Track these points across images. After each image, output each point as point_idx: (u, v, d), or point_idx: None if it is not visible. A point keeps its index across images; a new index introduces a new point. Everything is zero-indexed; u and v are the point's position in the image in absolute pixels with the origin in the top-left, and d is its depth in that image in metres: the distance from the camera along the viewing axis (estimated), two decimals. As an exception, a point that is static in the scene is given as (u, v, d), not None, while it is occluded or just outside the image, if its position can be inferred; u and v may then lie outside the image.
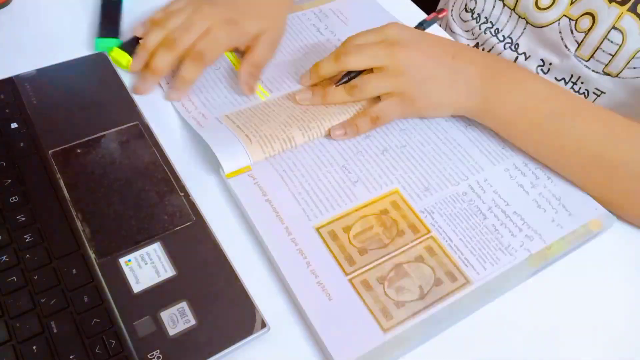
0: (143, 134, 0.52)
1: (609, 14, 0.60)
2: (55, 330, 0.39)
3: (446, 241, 0.47)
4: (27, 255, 0.43)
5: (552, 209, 0.50)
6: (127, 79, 0.58)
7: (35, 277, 0.41)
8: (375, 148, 0.53)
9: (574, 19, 0.63)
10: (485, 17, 0.72)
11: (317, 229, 0.47)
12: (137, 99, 0.56)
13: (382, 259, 0.45)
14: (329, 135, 0.54)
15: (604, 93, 0.64)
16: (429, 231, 0.47)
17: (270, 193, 0.49)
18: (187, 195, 0.48)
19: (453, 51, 0.54)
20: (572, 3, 0.63)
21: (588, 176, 0.51)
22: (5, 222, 0.45)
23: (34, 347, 0.38)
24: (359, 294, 0.43)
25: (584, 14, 0.63)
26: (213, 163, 0.51)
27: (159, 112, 0.56)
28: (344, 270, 0.44)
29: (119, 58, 0.58)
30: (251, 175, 0.50)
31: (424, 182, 0.51)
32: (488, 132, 0.55)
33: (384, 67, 0.53)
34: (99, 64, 0.59)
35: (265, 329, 0.40)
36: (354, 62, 0.54)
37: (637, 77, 0.61)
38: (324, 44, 0.63)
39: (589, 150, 0.50)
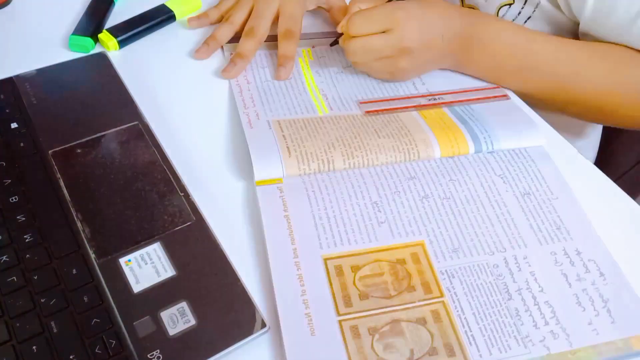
0: (143, 134, 0.52)
1: None
2: (55, 330, 0.39)
3: (457, 311, 0.42)
4: (27, 255, 0.43)
5: (593, 310, 0.43)
6: (127, 79, 0.58)
7: (35, 277, 0.41)
8: (416, 192, 0.50)
9: None
10: None
11: (325, 260, 0.44)
12: (137, 99, 0.56)
13: (381, 309, 0.42)
14: (371, 166, 0.52)
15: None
16: (442, 295, 0.43)
17: (291, 210, 0.47)
18: (187, 195, 0.48)
19: (443, 29, 0.58)
20: None
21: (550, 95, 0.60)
22: (5, 222, 0.45)
23: (34, 347, 0.38)
24: (344, 339, 0.40)
25: None
26: (244, 167, 0.51)
27: (159, 112, 0.56)
28: (337, 310, 0.41)
29: (106, 40, 0.61)
30: (279, 188, 0.49)
31: (454, 241, 0.46)
32: (547, 207, 0.49)
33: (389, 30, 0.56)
34: (99, 64, 0.59)
35: (265, 329, 0.40)
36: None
37: (525, 23, 0.65)
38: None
39: (557, 80, 0.59)
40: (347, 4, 0.66)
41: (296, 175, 0.50)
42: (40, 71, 0.57)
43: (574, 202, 0.50)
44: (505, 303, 0.43)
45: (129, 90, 0.56)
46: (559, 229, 0.48)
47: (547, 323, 0.42)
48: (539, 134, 0.55)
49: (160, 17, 0.65)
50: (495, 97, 0.59)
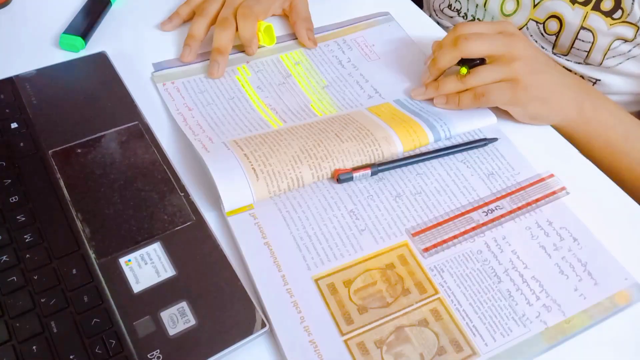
0: (143, 134, 0.52)
1: (575, 15, 0.62)
2: (55, 330, 0.39)
3: (454, 305, 0.42)
4: (27, 255, 0.43)
5: (575, 275, 0.45)
6: (127, 79, 0.58)
7: (35, 277, 0.41)
8: (388, 192, 0.49)
9: (541, 22, 0.65)
10: (472, 15, 0.73)
11: (316, 281, 0.43)
12: (137, 99, 0.56)
13: (382, 319, 0.41)
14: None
15: (599, 80, 0.66)
16: (437, 292, 0.43)
17: (270, 236, 0.45)
18: (187, 195, 0.48)
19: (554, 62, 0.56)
20: (535, 6, 0.64)
21: None
22: (5, 222, 0.45)
23: (34, 347, 0.38)
24: (353, 358, 0.39)
25: (549, 17, 0.64)
26: (214, 193, 0.48)
27: (159, 112, 0.56)
28: (340, 330, 0.41)
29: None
30: (252, 215, 0.47)
31: (436, 235, 0.47)
32: (511, 183, 0.51)
33: (500, 57, 0.53)
34: (99, 64, 0.59)
35: (265, 329, 0.40)
36: (475, 47, 0.53)
37: (620, 63, 0.63)
38: (345, 78, 0.61)
39: None
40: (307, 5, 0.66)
41: (267, 198, 0.48)
42: (40, 71, 0.57)
43: (534, 174, 0.52)
44: (496, 286, 0.44)
45: (129, 90, 0.56)
46: (527, 202, 0.50)
47: (538, 298, 0.43)
48: (490, 113, 0.56)
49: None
50: (555, 192, 0.51)
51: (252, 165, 0.48)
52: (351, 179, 0.50)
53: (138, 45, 0.63)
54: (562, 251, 0.46)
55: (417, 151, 0.53)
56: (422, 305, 0.42)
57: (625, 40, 0.62)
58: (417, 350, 0.40)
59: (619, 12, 0.61)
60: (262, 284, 0.43)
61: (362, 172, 0.50)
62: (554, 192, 0.50)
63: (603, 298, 0.43)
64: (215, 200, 0.48)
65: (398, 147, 0.52)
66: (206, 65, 0.60)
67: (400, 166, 0.51)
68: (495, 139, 0.54)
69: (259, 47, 0.63)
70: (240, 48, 0.63)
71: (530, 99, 0.54)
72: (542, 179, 0.51)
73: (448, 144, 0.54)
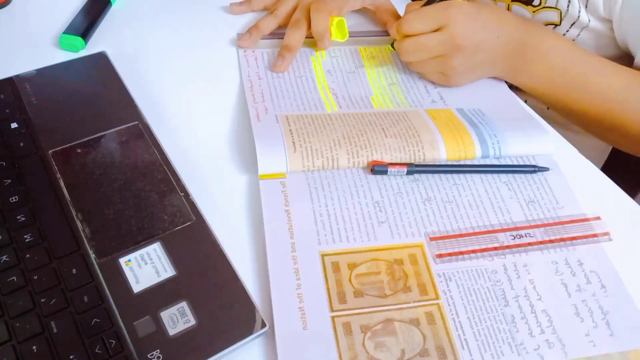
0: (143, 134, 0.52)
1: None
2: (55, 330, 0.39)
3: (452, 314, 0.42)
4: (27, 255, 0.43)
5: (592, 321, 0.42)
6: (127, 79, 0.58)
7: (35, 277, 0.41)
8: (419, 194, 0.50)
9: None
10: None
11: (323, 256, 0.44)
12: (137, 99, 0.56)
13: (375, 308, 0.42)
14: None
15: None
16: (438, 297, 0.43)
17: (293, 205, 0.47)
18: (187, 195, 0.48)
19: (498, 31, 0.57)
20: None
21: (606, 127, 0.58)
22: (5, 222, 0.45)
23: (34, 347, 0.38)
24: (335, 335, 0.40)
25: None
26: (247, 161, 0.52)
27: (159, 112, 0.56)
28: (330, 306, 0.41)
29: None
30: (282, 183, 0.49)
31: (455, 245, 0.46)
32: (551, 216, 0.49)
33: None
34: (99, 64, 0.59)
35: (264, 329, 0.40)
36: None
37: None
38: (414, 80, 0.62)
39: (607, 104, 0.57)
40: (393, 4, 0.67)
41: (300, 171, 0.50)
42: (40, 71, 0.57)
43: (579, 213, 0.50)
44: (501, 309, 0.43)
45: (129, 90, 0.56)
46: (562, 237, 0.47)
47: (542, 332, 0.41)
48: (549, 141, 0.55)
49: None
50: (596, 235, 0.48)
51: (293, 139, 0.51)
52: (385, 172, 0.50)
53: (138, 45, 0.63)
54: (584, 294, 0.44)
55: (461, 162, 0.52)
56: (419, 306, 0.42)
57: (555, 25, 0.64)
58: (400, 346, 0.40)
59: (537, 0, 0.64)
60: (272, 246, 0.44)
61: (398, 169, 0.50)
62: (595, 235, 0.48)
63: (615, 351, 0.41)
64: (227, 187, 0.50)
65: (442, 154, 0.52)
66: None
67: (438, 172, 0.51)
68: (546, 169, 0.52)
69: (331, 42, 0.64)
70: (354, 34, 0.66)
71: (460, 82, 0.60)
72: (587, 219, 0.49)
73: (495, 162, 0.53)
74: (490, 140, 0.53)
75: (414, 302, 0.42)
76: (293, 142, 0.51)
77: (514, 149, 0.54)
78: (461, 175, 0.51)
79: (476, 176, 0.51)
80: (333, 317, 0.41)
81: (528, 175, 0.52)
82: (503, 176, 0.52)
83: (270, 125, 0.53)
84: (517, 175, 0.52)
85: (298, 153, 0.50)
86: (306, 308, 0.41)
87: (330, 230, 0.46)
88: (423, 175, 0.51)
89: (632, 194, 0.52)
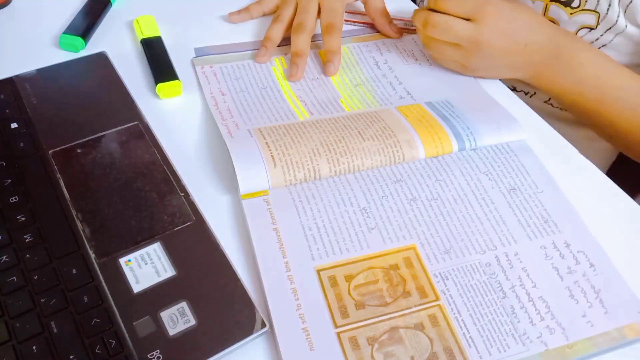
0: (143, 134, 0.52)
1: (536, 8, 0.65)
2: (55, 330, 0.39)
3: (454, 313, 0.42)
4: (27, 255, 0.43)
5: (586, 302, 0.43)
6: (127, 79, 0.58)
7: (35, 277, 0.41)
8: (404, 195, 0.49)
9: None
10: None
11: (318, 271, 0.44)
12: (137, 99, 0.56)
13: (378, 318, 0.41)
14: (357, 171, 0.51)
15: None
16: (438, 298, 0.43)
17: (280, 222, 0.46)
18: (187, 195, 0.48)
19: (527, 39, 0.57)
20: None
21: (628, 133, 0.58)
22: (5, 222, 0.45)
23: (34, 347, 0.38)
24: (343, 351, 0.39)
25: None
26: (229, 177, 0.50)
27: (159, 112, 0.56)
28: (334, 322, 0.41)
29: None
30: (266, 200, 0.48)
31: (446, 243, 0.46)
32: (533, 202, 0.50)
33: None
34: (99, 64, 0.59)
35: (265, 329, 0.40)
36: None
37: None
38: (378, 78, 0.62)
39: (637, 118, 0.57)
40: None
41: (282, 186, 0.49)
42: (40, 71, 0.57)
43: (559, 195, 0.51)
44: (500, 301, 0.43)
45: (129, 90, 0.56)
46: (546, 222, 0.48)
47: (542, 319, 0.42)
48: (520, 128, 0.56)
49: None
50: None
51: (271, 153, 0.50)
52: None
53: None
54: (575, 275, 0.45)
55: (440, 158, 0.53)
56: (421, 310, 0.42)
57: (591, 29, 0.63)
58: (409, 353, 0.40)
59: (577, 1, 0.63)
60: (266, 267, 0.43)
61: None
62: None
63: (611, 328, 0.42)
64: (226, 188, 0.49)
65: (420, 152, 0.52)
66: (244, 54, 0.63)
67: None
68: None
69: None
70: (283, 42, 0.64)
71: (476, 75, 0.61)
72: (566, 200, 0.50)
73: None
74: (464, 132, 0.54)
75: (415, 306, 0.42)
76: (272, 155, 0.49)
77: (489, 139, 0.54)
78: (442, 172, 0.52)
79: (456, 169, 0.52)
80: (338, 334, 0.40)
81: (505, 162, 0.53)
82: (482, 166, 0.52)
83: (244, 141, 0.51)
84: (495, 164, 0.53)
85: (279, 168, 0.49)
86: (310, 328, 0.40)
87: (322, 244, 0.45)
88: (405, 175, 0.51)
89: (633, 194, 0.53)
